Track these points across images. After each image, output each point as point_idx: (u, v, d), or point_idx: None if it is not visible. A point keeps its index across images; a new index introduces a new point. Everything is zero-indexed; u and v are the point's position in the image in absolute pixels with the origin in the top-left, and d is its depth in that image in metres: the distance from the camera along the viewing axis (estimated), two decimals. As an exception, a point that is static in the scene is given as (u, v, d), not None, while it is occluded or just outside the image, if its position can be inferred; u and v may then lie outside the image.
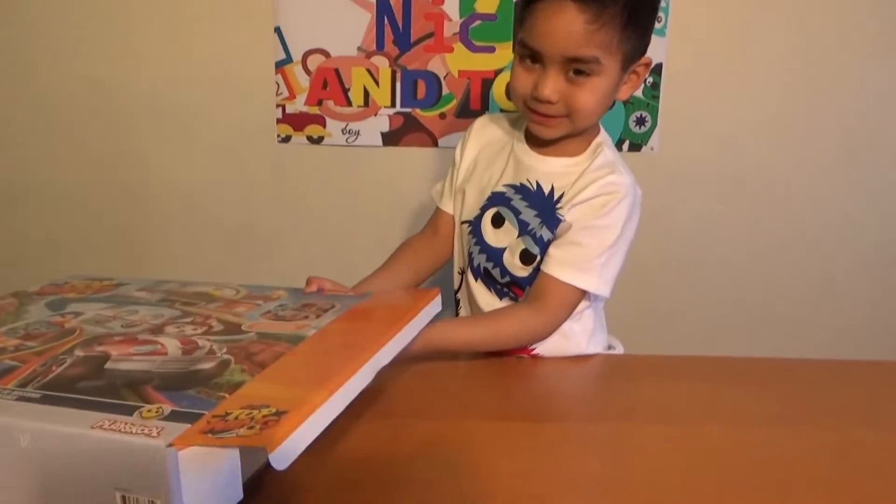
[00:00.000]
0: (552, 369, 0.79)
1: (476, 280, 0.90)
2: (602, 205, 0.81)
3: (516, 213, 0.86)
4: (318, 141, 1.41)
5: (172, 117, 1.43)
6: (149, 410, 0.42)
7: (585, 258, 0.80)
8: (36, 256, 1.53)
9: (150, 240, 1.51)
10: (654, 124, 1.38)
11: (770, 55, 1.36)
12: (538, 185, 0.86)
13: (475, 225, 0.89)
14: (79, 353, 0.53)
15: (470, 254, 0.90)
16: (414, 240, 0.98)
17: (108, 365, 0.50)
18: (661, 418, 0.64)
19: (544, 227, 0.83)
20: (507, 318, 0.81)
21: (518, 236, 0.85)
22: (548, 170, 0.86)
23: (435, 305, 0.64)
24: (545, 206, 0.84)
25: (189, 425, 0.40)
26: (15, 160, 1.48)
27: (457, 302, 0.97)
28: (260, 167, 1.44)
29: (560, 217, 0.83)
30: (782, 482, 0.53)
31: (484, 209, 0.89)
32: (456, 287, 0.97)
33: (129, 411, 0.42)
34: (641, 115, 1.38)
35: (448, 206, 0.96)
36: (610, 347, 0.95)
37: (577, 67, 0.76)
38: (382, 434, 0.56)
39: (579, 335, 0.87)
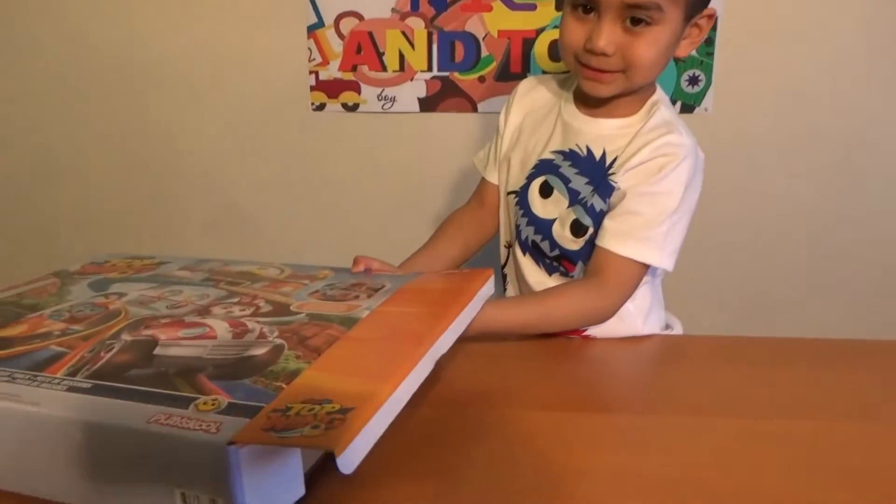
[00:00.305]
0: (604, 352, 0.74)
1: (524, 254, 0.86)
2: (659, 168, 0.75)
3: (566, 181, 0.80)
4: (353, 108, 1.37)
5: (201, 87, 1.40)
6: (205, 403, 0.40)
7: (644, 228, 0.75)
8: (68, 232, 1.53)
9: (181, 212, 1.49)
10: (709, 83, 1.30)
11: (830, 10, 1.26)
12: (588, 149, 0.80)
13: (522, 195, 0.85)
14: (126, 337, 0.51)
15: (517, 226, 0.86)
16: (459, 213, 0.93)
17: (158, 350, 0.48)
18: (728, 409, 0.58)
19: (596, 195, 0.78)
20: (562, 298, 0.76)
21: (568, 206, 0.80)
22: (598, 133, 0.80)
23: (489, 287, 0.61)
24: (597, 172, 0.79)
25: (248, 419, 0.38)
26: (42, 136, 1.47)
27: (503, 278, 0.93)
28: (294, 137, 1.41)
29: (613, 184, 0.77)
30: (876, 482, 0.47)
31: (531, 178, 0.84)
32: (503, 262, 0.92)
33: (184, 403, 0.40)
34: (694, 74, 1.30)
35: (493, 176, 0.91)
36: (667, 327, 0.90)
37: (636, 15, 0.70)
38: (432, 422, 0.53)
39: (634, 315, 0.82)
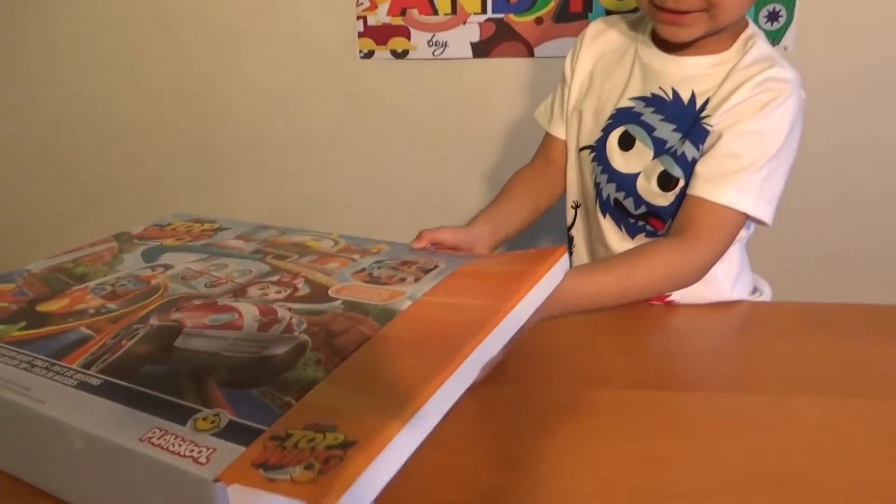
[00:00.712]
0: (687, 321, 0.66)
1: (604, 216, 0.76)
2: (761, 105, 0.66)
3: (649, 129, 0.71)
4: (402, 55, 1.27)
5: (244, 36, 1.34)
6: (205, 419, 0.35)
7: (742, 172, 0.65)
8: (124, 191, 1.55)
9: (224, 167, 1.47)
10: (790, 19, 1.14)
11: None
12: (675, 92, 0.70)
13: (599, 150, 0.75)
14: (153, 321, 0.47)
15: (597, 185, 0.76)
16: (525, 172, 0.84)
17: (179, 342, 0.44)
18: (825, 387, 0.52)
19: (687, 142, 0.68)
20: (647, 258, 0.65)
21: (654, 157, 0.70)
22: (685, 73, 0.70)
23: (561, 266, 0.51)
24: (686, 117, 0.69)
25: (243, 448, 0.32)
26: (79, 98, 1.48)
27: (570, 240, 0.84)
28: (341, 85, 1.33)
29: (708, 128, 0.66)
30: None
31: (607, 130, 0.74)
32: (569, 223, 0.83)
33: (183, 417, 0.35)
34: (774, 9, 1.13)
35: (559, 130, 0.81)
36: (755, 291, 0.79)
37: None
38: (494, 404, 0.48)
39: (722, 279, 0.72)
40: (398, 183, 1.38)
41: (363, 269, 0.53)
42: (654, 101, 0.72)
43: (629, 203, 0.73)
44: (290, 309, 0.47)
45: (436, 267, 0.52)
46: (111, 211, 1.55)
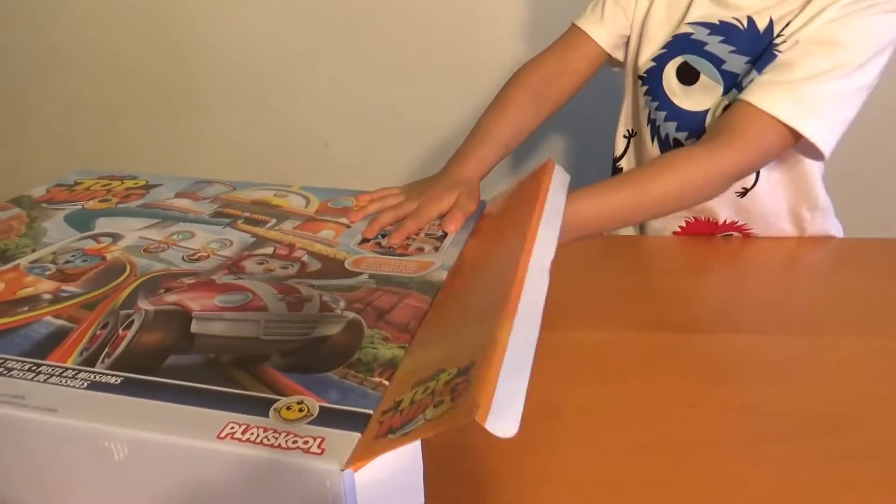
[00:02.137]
0: (754, 254, 0.62)
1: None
2: (847, 12, 0.56)
3: (717, 62, 0.62)
4: None
5: None
6: (289, 408, 0.31)
7: (801, 82, 0.56)
8: (91, 122, 1.33)
9: (203, 104, 1.29)
10: None
11: None
12: (750, 21, 0.61)
13: (652, 81, 0.66)
14: (145, 305, 0.40)
15: (652, 121, 0.68)
16: (532, 71, 0.70)
17: (195, 327, 0.38)
18: (878, 328, 0.48)
19: (753, 72, 0.61)
20: (666, 170, 0.58)
21: (724, 94, 0.63)
22: (763, 2, 0.61)
23: (560, 175, 0.49)
24: (759, 46, 0.60)
25: (355, 433, 0.29)
26: (62, 23, 1.23)
27: (616, 172, 0.76)
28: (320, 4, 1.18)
29: (776, 53, 0.59)
30: None
31: (661, 59, 0.65)
32: (618, 153, 0.75)
33: (260, 408, 0.31)
34: None
35: (598, 31, 0.69)
36: (830, 230, 0.74)
37: None
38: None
39: (808, 220, 0.68)
40: (383, 118, 1.25)
41: (368, 239, 0.49)
42: (723, 30, 0.62)
43: (692, 144, 0.64)
44: (311, 286, 0.42)
45: (441, 231, 0.50)
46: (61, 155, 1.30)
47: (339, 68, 1.22)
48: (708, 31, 0.63)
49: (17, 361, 0.35)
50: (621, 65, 0.74)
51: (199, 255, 0.47)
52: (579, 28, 0.70)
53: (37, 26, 1.27)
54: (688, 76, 0.64)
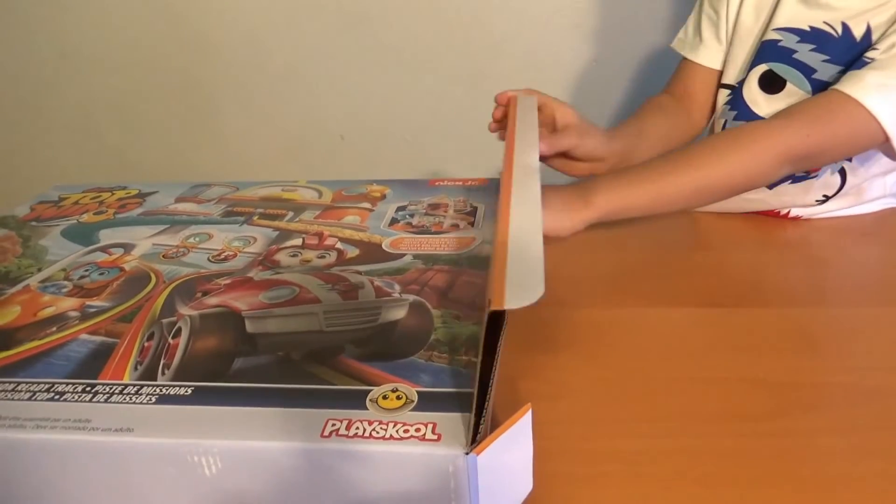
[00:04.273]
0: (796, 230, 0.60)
1: None
2: None
3: (807, 71, 0.58)
4: None
5: None
6: (385, 397, 0.30)
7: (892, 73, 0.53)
8: (106, 118, 1.25)
9: (217, 100, 1.23)
10: None
11: None
12: (845, 28, 0.57)
13: (735, 92, 0.64)
14: (187, 311, 0.37)
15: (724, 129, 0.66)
16: (659, 98, 0.70)
17: (250, 327, 0.36)
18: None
19: None
20: (735, 141, 0.54)
21: None
22: (864, 3, 0.56)
23: (524, 101, 0.54)
24: (856, 56, 0.56)
25: (465, 413, 0.28)
26: (70, 23, 1.16)
27: None
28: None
29: (866, 60, 0.55)
30: None
31: (749, 69, 0.62)
32: None
33: (354, 402, 0.29)
34: None
35: (703, 56, 0.67)
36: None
37: None
38: (544, 330, 0.45)
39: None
40: (398, 111, 1.21)
41: (396, 221, 0.48)
42: (815, 37, 0.58)
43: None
44: (357, 272, 0.41)
45: (472, 206, 0.49)
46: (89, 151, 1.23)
47: (353, 61, 1.19)
48: (797, 38, 0.59)
49: (68, 384, 0.32)
50: None
51: (225, 254, 0.44)
52: (686, 59, 0.69)
53: (47, 26, 1.20)
54: (772, 84, 0.61)
